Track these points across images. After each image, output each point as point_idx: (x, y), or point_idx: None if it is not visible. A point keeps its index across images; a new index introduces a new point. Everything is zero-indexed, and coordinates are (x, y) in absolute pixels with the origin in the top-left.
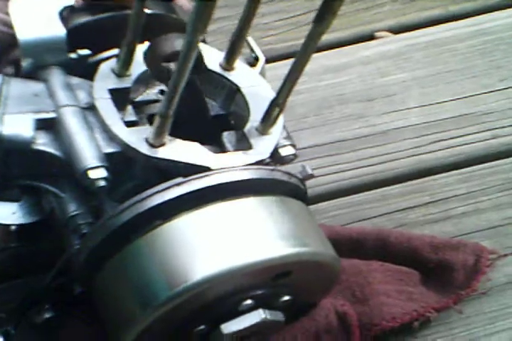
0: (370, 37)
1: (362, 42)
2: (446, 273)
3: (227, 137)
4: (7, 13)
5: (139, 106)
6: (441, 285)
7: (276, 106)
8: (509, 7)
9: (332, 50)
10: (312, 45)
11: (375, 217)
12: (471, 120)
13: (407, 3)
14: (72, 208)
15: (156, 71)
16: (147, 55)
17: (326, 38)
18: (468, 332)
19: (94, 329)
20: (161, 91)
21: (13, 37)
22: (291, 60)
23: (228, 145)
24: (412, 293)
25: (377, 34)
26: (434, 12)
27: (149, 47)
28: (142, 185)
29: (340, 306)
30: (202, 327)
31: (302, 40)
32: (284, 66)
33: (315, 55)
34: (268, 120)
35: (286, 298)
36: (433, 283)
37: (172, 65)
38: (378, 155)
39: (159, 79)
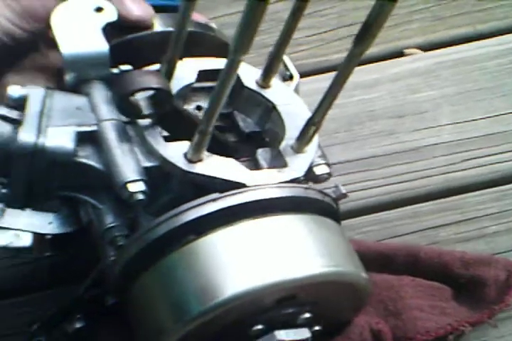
0: (399, 54)
1: (391, 58)
2: (477, 288)
3: (262, 154)
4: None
5: None
6: (473, 300)
7: (313, 125)
8: None
9: (362, 67)
10: (351, 65)
11: (406, 234)
12: (503, 138)
13: (436, 21)
14: (110, 220)
15: (123, 106)
16: (115, 90)
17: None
18: None
19: (125, 340)
20: (198, 107)
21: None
22: (320, 76)
23: (263, 162)
24: (444, 307)
25: (407, 51)
26: (462, 30)
27: (117, 83)
28: (178, 199)
29: (375, 324)
30: (260, 327)
31: (332, 56)
32: (315, 81)
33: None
34: (304, 138)
35: (318, 327)
36: (465, 299)
37: (140, 100)
38: (409, 172)
39: (126, 115)
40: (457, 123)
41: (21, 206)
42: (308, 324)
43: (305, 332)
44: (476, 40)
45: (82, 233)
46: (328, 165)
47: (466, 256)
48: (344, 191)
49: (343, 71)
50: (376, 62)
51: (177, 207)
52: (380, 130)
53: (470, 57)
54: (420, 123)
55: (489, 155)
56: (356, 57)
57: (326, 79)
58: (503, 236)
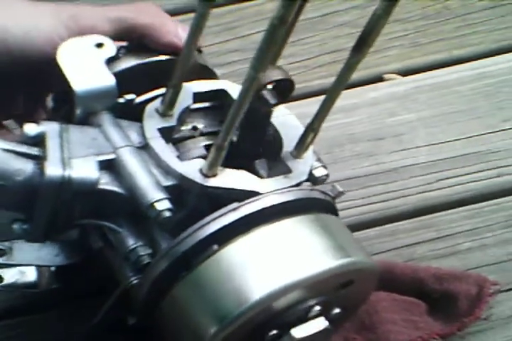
0: (378, 79)
1: (371, 83)
2: (450, 303)
3: (259, 165)
4: None
5: (175, 143)
6: (446, 314)
7: (312, 131)
8: (511, 51)
9: (342, 92)
10: (349, 73)
11: (384, 251)
12: (476, 159)
13: (414, 47)
14: (132, 241)
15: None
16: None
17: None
18: None
19: None
20: (194, 128)
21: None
22: (302, 101)
23: (262, 172)
24: (417, 321)
25: (386, 76)
26: (439, 56)
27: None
28: (193, 214)
29: (352, 339)
30: (273, 332)
31: (313, 82)
32: (296, 106)
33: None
34: (303, 145)
35: (338, 310)
36: (438, 313)
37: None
38: (387, 192)
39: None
40: (433, 144)
41: (41, 240)
42: (322, 313)
43: (321, 322)
44: (452, 65)
45: (87, 263)
46: (325, 167)
47: (440, 272)
48: (341, 189)
49: (341, 78)
50: (356, 87)
51: (192, 222)
52: (360, 152)
53: (445, 82)
54: (398, 145)
55: (462, 175)
56: (354, 66)
57: (308, 104)
58: (475, 252)
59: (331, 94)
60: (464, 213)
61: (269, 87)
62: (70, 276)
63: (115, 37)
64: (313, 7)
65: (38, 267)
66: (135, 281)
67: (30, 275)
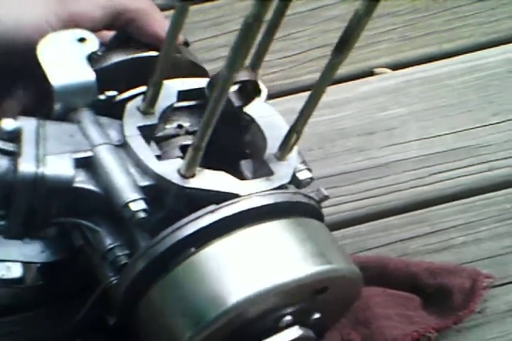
0: (368, 73)
1: (361, 78)
2: (444, 297)
3: (245, 165)
4: None
5: (159, 141)
6: (440, 308)
7: (295, 132)
8: (501, 44)
9: (332, 86)
10: (331, 73)
11: (377, 247)
12: (468, 152)
13: (403, 41)
14: (109, 241)
15: None
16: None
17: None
18: None
19: None
20: (179, 126)
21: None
22: (293, 96)
23: (246, 173)
24: (412, 316)
25: (377, 70)
26: (429, 49)
27: None
28: (172, 215)
29: (347, 335)
30: None
31: (304, 77)
32: (287, 101)
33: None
34: (286, 147)
35: (317, 315)
36: (433, 308)
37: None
38: (379, 187)
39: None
40: (424, 138)
41: (19, 237)
42: (296, 322)
43: (295, 331)
44: (442, 58)
45: (72, 260)
46: (310, 170)
47: (433, 266)
48: (326, 193)
49: (323, 79)
50: (346, 81)
51: (171, 222)
52: (351, 147)
53: (436, 76)
54: (389, 140)
55: (454, 169)
56: (335, 66)
57: (298, 99)
58: (469, 246)
59: (314, 93)
60: (457, 207)
61: (234, 88)
62: (56, 273)
63: (106, 24)
64: (303, 1)
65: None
66: (114, 281)
67: (15, 271)
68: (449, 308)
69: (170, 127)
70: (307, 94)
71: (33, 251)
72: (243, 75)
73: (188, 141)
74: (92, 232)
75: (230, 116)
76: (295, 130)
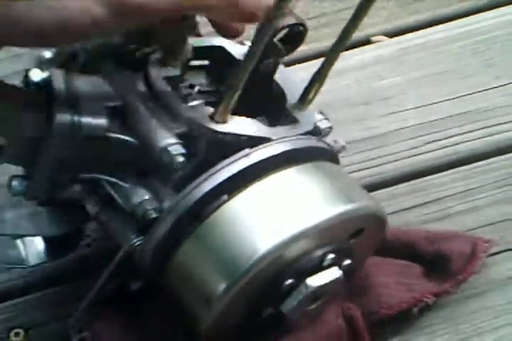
0: (365, 42)
1: (357, 47)
2: (444, 263)
3: (261, 121)
4: None
5: None
6: (440, 275)
7: (318, 80)
8: (497, 7)
9: None
10: (362, 14)
11: None
12: (468, 118)
13: (399, 8)
14: (138, 196)
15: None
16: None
17: (320, 45)
18: (475, 327)
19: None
20: (191, 86)
21: None
22: (308, 63)
23: None
24: (412, 284)
25: (374, 38)
26: (425, 15)
27: None
28: (201, 167)
29: (347, 309)
30: (290, 281)
31: (320, 43)
32: (302, 69)
33: (311, 63)
34: (308, 95)
35: (348, 261)
36: (433, 275)
37: None
38: (376, 158)
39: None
40: (421, 106)
41: (42, 197)
42: (336, 263)
43: (335, 271)
44: (440, 23)
45: (76, 234)
46: (328, 119)
47: (431, 234)
48: (343, 143)
49: (353, 20)
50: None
51: (202, 172)
52: (347, 118)
53: (433, 41)
54: (386, 109)
55: (453, 136)
56: (370, 2)
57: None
58: (468, 214)
59: (333, 49)
60: (455, 175)
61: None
62: (60, 249)
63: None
64: None
65: (25, 243)
66: (138, 242)
67: (18, 250)
68: (449, 273)
69: (183, 85)
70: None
71: (39, 224)
72: (288, 19)
73: (201, 99)
74: (119, 189)
75: (268, 69)
76: (318, 78)
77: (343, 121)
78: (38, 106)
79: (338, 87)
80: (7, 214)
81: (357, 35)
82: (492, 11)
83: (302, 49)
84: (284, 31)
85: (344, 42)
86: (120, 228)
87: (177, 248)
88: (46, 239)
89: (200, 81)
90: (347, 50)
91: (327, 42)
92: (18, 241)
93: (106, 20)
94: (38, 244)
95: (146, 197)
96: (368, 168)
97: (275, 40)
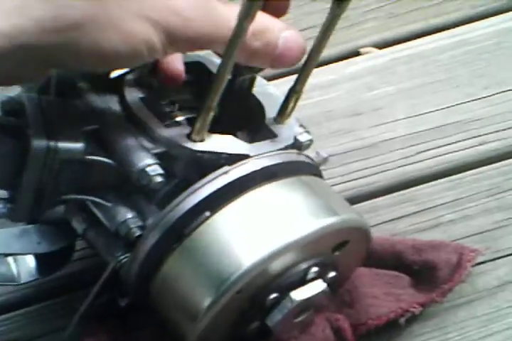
0: (355, 53)
1: (348, 58)
2: (431, 272)
3: (241, 136)
4: None
5: None
6: (428, 285)
7: (295, 93)
8: (489, 16)
9: (319, 68)
10: (331, 26)
11: None
12: (457, 128)
13: (390, 19)
14: (122, 214)
15: None
16: None
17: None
18: (463, 335)
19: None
20: (171, 102)
21: None
22: (286, 78)
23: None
24: (400, 294)
25: (363, 50)
26: (415, 26)
27: None
28: (181, 185)
29: (335, 321)
30: (274, 295)
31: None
32: (280, 85)
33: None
34: (285, 110)
35: (333, 273)
36: (421, 285)
37: None
38: (367, 168)
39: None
40: (412, 116)
41: (27, 220)
42: (320, 275)
43: (319, 284)
44: (429, 34)
45: (67, 250)
46: (308, 132)
47: (418, 243)
48: (325, 155)
49: (323, 34)
50: (333, 62)
51: (183, 191)
52: (339, 129)
53: (424, 52)
54: (377, 120)
55: (443, 146)
56: (336, 18)
57: (289, 82)
58: (458, 223)
59: (311, 55)
60: (446, 184)
61: None
62: (52, 265)
63: None
64: None
65: (16, 260)
66: (124, 259)
67: (9, 268)
68: (435, 283)
69: (163, 103)
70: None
71: (30, 242)
72: None
73: (181, 117)
74: (102, 208)
75: (245, 84)
76: (294, 91)
77: (335, 132)
78: (13, 132)
79: (329, 99)
80: None
81: (346, 47)
82: (481, 21)
83: None
84: None
85: (316, 57)
86: (107, 245)
87: (161, 265)
88: (37, 256)
89: (183, 96)
90: (336, 61)
91: None
92: (9, 258)
93: (162, 48)
94: (29, 261)
95: (129, 215)
96: (360, 178)
97: None
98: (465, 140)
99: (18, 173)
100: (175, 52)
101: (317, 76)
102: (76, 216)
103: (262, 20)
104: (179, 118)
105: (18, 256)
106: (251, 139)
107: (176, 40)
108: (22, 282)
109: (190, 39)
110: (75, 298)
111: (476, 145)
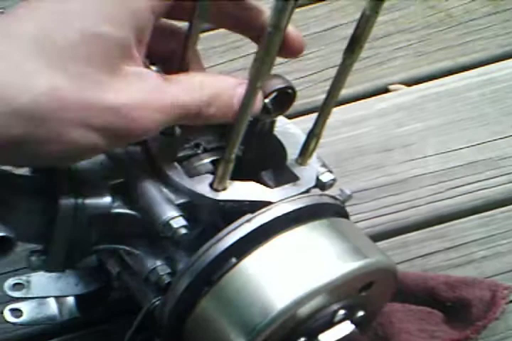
0: (384, 90)
1: (377, 95)
2: (464, 309)
3: (266, 176)
4: None
5: (180, 161)
6: (461, 321)
7: (314, 136)
8: None
9: (348, 104)
10: (345, 74)
11: (397, 263)
12: (486, 165)
13: (419, 57)
14: (150, 262)
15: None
16: None
17: (342, 93)
18: None
19: None
20: (196, 145)
21: None
22: (310, 116)
23: (270, 183)
24: (434, 331)
25: (392, 87)
26: (443, 64)
27: None
28: (207, 230)
29: None
30: (302, 339)
31: (320, 97)
32: (304, 122)
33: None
34: (307, 151)
35: (362, 313)
36: (454, 321)
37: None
38: (397, 203)
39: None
40: (442, 153)
41: (60, 270)
42: (347, 317)
43: (347, 326)
44: (457, 72)
45: (106, 289)
46: (331, 171)
47: (451, 279)
48: (349, 192)
49: (337, 83)
50: (362, 99)
51: (208, 238)
52: (369, 164)
53: (452, 89)
54: (407, 156)
55: (473, 183)
56: (349, 67)
57: (309, 119)
58: (491, 260)
59: (330, 94)
60: (477, 221)
61: (271, 97)
62: (91, 304)
63: None
64: (317, 22)
65: (58, 298)
66: (157, 302)
67: (50, 307)
68: (469, 320)
69: (188, 146)
70: None
71: (67, 284)
72: (277, 83)
73: (206, 159)
74: (132, 256)
75: (264, 127)
76: (314, 133)
77: (365, 167)
78: (43, 189)
79: (359, 135)
80: (33, 278)
81: (375, 84)
82: (509, 60)
83: (306, 101)
84: (274, 94)
85: (334, 97)
86: (139, 289)
87: (190, 311)
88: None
89: (206, 137)
90: (366, 98)
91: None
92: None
93: (108, 146)
94: (69, 298)
95: (158, 263)
96: (388, 214)
97: (266, 100)
98: (494, 177)
99: (50, 227)
100: (123, 146)
101: (347, 112)
102: (110, 259)
103: (214, 84)
104: (205, 161)
105: None
106: (274, 179)
107: (123, 138)
108: (62, 320)
109: (138, 136)
110: (109, 333)
111: (505, 183)
